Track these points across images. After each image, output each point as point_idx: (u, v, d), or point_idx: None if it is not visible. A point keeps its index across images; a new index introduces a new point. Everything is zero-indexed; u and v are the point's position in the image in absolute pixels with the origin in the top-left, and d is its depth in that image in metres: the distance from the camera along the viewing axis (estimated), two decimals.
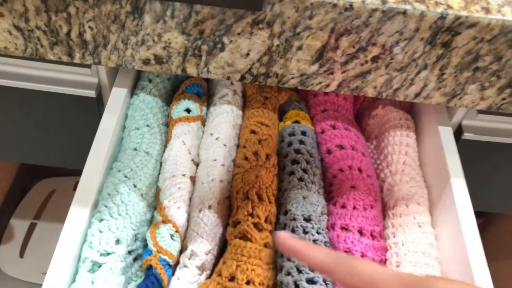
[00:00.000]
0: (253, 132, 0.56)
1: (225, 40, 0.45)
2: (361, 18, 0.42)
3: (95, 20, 0.43)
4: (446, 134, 0.56)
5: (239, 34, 0.44)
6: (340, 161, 0.56)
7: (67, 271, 0.41)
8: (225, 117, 0.56)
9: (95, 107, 0.57)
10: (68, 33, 0.45)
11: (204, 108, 0.58)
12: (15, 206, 1.31)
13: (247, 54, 0.46)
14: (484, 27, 0.42)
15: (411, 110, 0.64)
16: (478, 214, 0.52)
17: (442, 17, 0.42)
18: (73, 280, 0.42)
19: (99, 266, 0.42)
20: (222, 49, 0.46)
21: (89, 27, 0.44)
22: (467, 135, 0.59)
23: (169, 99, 0.58)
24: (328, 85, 0.49)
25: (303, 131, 0.58)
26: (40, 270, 1.20)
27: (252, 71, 0.48)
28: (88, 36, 0.45)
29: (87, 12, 0.43)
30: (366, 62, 0.46)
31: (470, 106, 0.51)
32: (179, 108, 0.55)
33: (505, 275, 1.03)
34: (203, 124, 0.57)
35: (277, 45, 0.45)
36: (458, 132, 0.60)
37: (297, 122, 0.59)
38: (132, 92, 0.56)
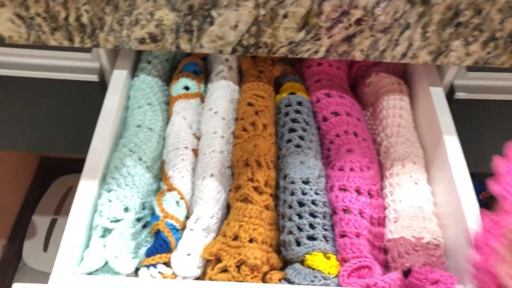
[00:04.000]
0: (249, 104, 0.58)
1: (214, 13, 0.47)
2: None
3: (90, 3, 0.46)
4: (438, 94, 0.58)
5: (225, 6, 0.46)
6: (336, 127, 0.58)
7: (80, 238, 0.44)
8: (222, 92, 0.58)
9: (98, 91, 0.60)
10: (66, 18, 0.48)
11: (202, 86, 0.60)
12: (35, 204, 1.36)
13: (236, 26, 0.48)
14: None
15: (404, 75, 0.66)
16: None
17: None
18: (87, 246, 0.45)
19: (110, 232, 0.45)
20: (211, 23, 0.48)
21: (85, 10, 0.47)
22: (459, 94, 0.60)
23: (168, 79, 0.61)
24: (317, 52, 0.51)
25: (299, 101, 0.60)
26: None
27: (242, 42, 0.50)
28: (85, 19, 0.48)
29: None
30: (350, 25, 0.48)
31: (456, 63, 0.52)
32: (178, 86, 0.58)
33: None
34: (202, 101, 0.60)
35: (263, 15, 0.47)
36: (450, 92, 0.61)
37: (293, 93, 0.62)
38: (133, 74, 0.59)
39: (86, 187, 0.47)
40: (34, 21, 0.48)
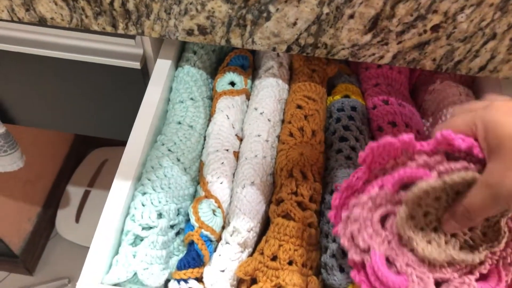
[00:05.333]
0: (299, 107, 0.53)
1: (271, 8, 0.42)
2: None
3: None
4: None
5: (285, 1, 0.41)
6: None
7: (110, 243, 0.41)
8: (270, 91, 0.54)
9: (140, 78, 0.56)
10: (111, 3, 0.44)
11: (249, 81, 0.56)
12: (71, 174, 1.37)
13: (294, 24, 0.43)
14: None
15: (472, 85, 0.59)
16: None
17: None
18: (116, 252, 0.42)
19: (141, 240, 0.42)
20: (268, 18, 0.43)
21: None
22: None
23: (213, 71, 0.57)
24: (382, 57, 0.46)
25: (353, 106, 0.55)
26: (93, 235, 1.26)
27: (299, 41, 0.45)
28: (131, 5, 0.44)
29: None
30: (425, 31, 0.42)
31: None
32: (223, 81, 0.54)
33: None
34: (248, 98, 0.55)
35: (327, 14, 0.42)
36: None
37: (347, 96, 0.56)
38: (177, 63, 0.55)
39: (120, 187, 0.44)
40: (78, 4, 0.44)
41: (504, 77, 0.46)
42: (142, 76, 0.57)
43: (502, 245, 0.35)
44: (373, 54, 0.45)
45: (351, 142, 0.51)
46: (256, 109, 0.53)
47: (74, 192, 1.35)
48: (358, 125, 0.53)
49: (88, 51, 0.54)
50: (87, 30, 0.47)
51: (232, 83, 0.54)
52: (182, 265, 0.41)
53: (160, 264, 0.41)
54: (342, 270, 0.43)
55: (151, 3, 0.43)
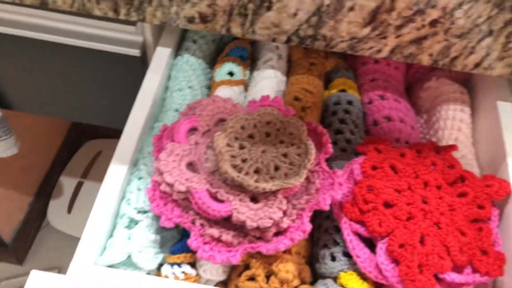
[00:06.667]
0: (296, 99, 0.54)
1: None
2: None
3: None
4: (506, 110, 0.52)
5: None
6: (387, 134, 0.53)
7: (105, 227, 0.41)
8: (268, 82, 0.54)
9: (139, 66, 0.57)
10: None
11: (248, 72, 0.56)
12: (64, 164, 1.37)
13: (295, 14, 0.44)
14: None
15: (467, 83, 0.60)
16: None
17: None
18: (111, 235, 0.42)
19: (136, 223, 0.42)
20: (269, 8, 0.43)
21: None
22: None
23: (212, 61, 0.57)
24: (379, 51, 0.46)
25: (349, 100, 0.55)
26: (85, 225, 1.26)
27: (299, 32, 0.45)
28: None
29: None
30: (424, 26, 0.43)
31: None
32: (222, 71, 0.54)
33: None
34: (246, 89, 0.56)
35: (328, 5, 0.42)
36: None
37: (343, 91, 0.57)
38: (177, 52, 0.55)
39: (117, 171, 0.44)
40: None
41: (498, 75, 0.46)
42: (141, 64, 0.57)
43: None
44: (371, 48, 0.46)
45: (346, 134, 0.52)
46: (254, 100, 0.53)
47: (67, 182, 1.34)
48: (354, 119, 0.54)
49: (88, 37, 0.54)
50: (88, 14, 0.47)
51: (231, 73, 0.54)
52: (176, 250, 0.42)
53: (154, 248, 0.42)
54: (333, 259, 0.44)
55: None
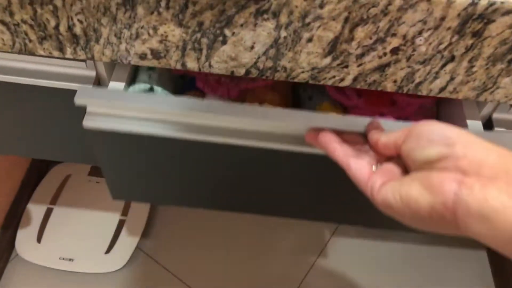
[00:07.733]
0: None
1: (227, 32, 0.40)
2: (378, 7, 0.37)
3: (84, 13, 0.39)
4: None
5: (241, 25, 0.39)
6: None
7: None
8: None
9: None
10: (56, 27, 0.41)
11: None
12: (31, 191, 1.31)
13: (252, 47, 0.41)
14: None
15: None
16: None
17: (473, 3, 0.36)
18: None
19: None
20: (224, 42, 0.41)
21: (78, 20, 0.40)
22: (498, 130, 0.54)
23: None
24: (342, 80, 0.44)
25: None
26: (57, 255, 1.20)
27: (258, 65, 0.43)
28: (78, 30, 0.41)
29: (75, 4, 0.39)
30: (385, 54, 0.41)
31: (503, 101, 0.45)
32: None
33: None
34: None
35: (285, 37, 0.40)
36: (488, 125, 0.54)
37: None
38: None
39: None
40: (20, 28, 0.41)
41: (464, 97, 0.45)
42: None
43: None
44: (334, 77, 0.44)
45: None
46: None
47: (35, 210, 1.29)
48: None
49: (37, 74, 0.51)
50: (32, 54, 0.44)
51: None
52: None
53: None
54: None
55: (99, 27, 0.41)
